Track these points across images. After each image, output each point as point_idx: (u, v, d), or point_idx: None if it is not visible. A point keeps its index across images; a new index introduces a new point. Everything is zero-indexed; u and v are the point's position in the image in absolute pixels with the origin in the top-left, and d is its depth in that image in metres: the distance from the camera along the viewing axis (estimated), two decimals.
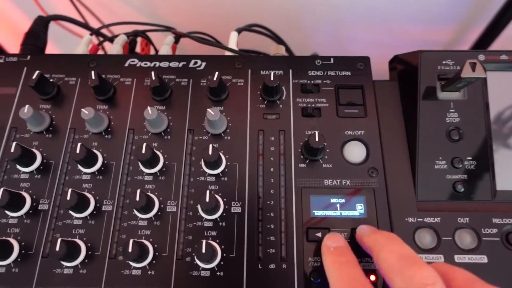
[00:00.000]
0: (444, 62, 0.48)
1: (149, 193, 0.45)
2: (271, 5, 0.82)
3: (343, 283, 0.35)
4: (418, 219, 0.44)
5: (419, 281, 0.30)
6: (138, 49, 0.71)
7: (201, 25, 0.72)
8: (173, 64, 0.53)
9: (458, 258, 0.42)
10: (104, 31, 0.69)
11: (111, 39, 0.64)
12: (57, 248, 0.40)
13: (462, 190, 0.45)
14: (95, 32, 0.63)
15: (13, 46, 1.00)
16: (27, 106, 0.47)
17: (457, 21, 0.84)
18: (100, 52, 0.66)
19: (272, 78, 0.47)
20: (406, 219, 0.44)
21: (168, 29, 0.66)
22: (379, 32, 0.87)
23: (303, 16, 0.85)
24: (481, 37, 0.79)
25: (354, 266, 0.36)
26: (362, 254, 0.42)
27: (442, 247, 0.43)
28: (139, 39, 0.70)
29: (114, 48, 0.58)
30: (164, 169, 0.47)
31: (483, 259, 0.42)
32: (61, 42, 0.82)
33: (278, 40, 0.68)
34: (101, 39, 0.66)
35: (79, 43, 0.60)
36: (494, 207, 0.45)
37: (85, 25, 0.66)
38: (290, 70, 0.52)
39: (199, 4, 0.85)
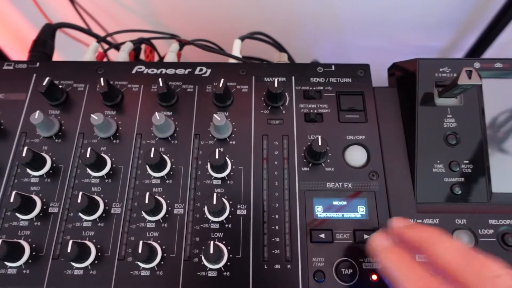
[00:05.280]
0: (441, 69, 0.50)
1: (157, 196, 0.46)
2: (272, 14, 0.83)
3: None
4: (418, 220, 0.46)
5: (489, 273, 0.31)
6: (142, 56, 0.73)
7: (202, 33, 0.73)
8: (179, 71, 0.54)
9: None
10: (107, 38, 0.70)
11: (117, 47, 0.66)
12: (69, 250, 0.41)
13: (460, 192, 0.46)
14: (102, 39, 0.65)
15: (16, 52, 1.01)
16: (37, 111, 0.48)
17: (453, 28, 0.86)
18: (105, 59, 0.68)
19: (276, 85, 0.49)
20: None
21: (172, 36, 0.67)
22: (378, 39, 0.89)
23: (304, 24, 0.87)
24: (476, 43, 0.81)
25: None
26: (363, 255, 0.44)
27: None
28: (143, 46, 0.72)
29: (120, 55, 0.60)
30: (171, 172, 0.48)
31: None
32: (64, 49, 0.83)
33: (280, 48, 0.70)
34: (106, 46, 0.67)
35: (86, 51, 0.61)
36: (490, 208, 0.46)
37: (92, 33, 0.67)
38: (293, 77, 0.53)
39: (201, 13, 0.86)
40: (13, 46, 1.00)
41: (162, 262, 0.44)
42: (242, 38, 0.61)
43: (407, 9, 0.81)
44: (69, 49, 0.81)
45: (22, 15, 0.93)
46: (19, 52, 1.02)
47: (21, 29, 0.95)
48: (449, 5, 0.80)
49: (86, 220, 0.46)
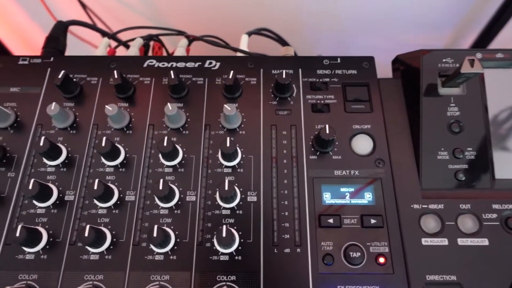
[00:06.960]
0: (444, 60, 0.51)
1: (170, 184, 0.47)
2: (275, 13, 0.85)
3: None
4: (423, 206, 0.47)
5: None
6: (150, 53, 0.75)
7: (207, 32, 0.75)
8: (189, 65, 0.56)
9: (461, 241, 0.45)
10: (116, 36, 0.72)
11: (126, 44, 0.68)
12: (86, 234, 0.42)
13: (463, 178, 0.48)
14: (112, 36, 0.66)
15: (19, 49, 1.03)
16: (53, 103, 0.49)
17: (454, 26, 0.88)
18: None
19: (284, 76, 0.50)
20: (412, 206, 0.47)
21: (180, 33, 0.69)
22: (380, 39, 0.91)
23: (306, 23, 0.88)
24: (477, 41, 0.83)
25: None
26: (370, 239, 0.45)
27: (446, 231, 0.46)
28: (151, 44, 0.73)
29: (131, 51, 0.62)
30: (183, 161, 0.50)
31: (484, 242, 0.45)
32: (70, 52, 0.85)
33: (285, 44, 0.71)
34: (114, 44, 0.69)
35: (97, 48, 0.63)
36: (493, 194, 0.48)
37: (102, 30, 0.69)
38: (300, 69, 0.55)
39: (205, 11, 0.88)
40: (18, 45, 1.02)
41: (175, 247, 0.46)
42: (249, 34, 0.63)
43: (408, 8, 0.83)
44: (75, 52, 0.82)
45: (28, 15, 0.94)
46: (25, 52, 1.04)
47: (27, 29, 0.97)
48: (449, 4, 0.82)
49: (101, 208, 0.48)
